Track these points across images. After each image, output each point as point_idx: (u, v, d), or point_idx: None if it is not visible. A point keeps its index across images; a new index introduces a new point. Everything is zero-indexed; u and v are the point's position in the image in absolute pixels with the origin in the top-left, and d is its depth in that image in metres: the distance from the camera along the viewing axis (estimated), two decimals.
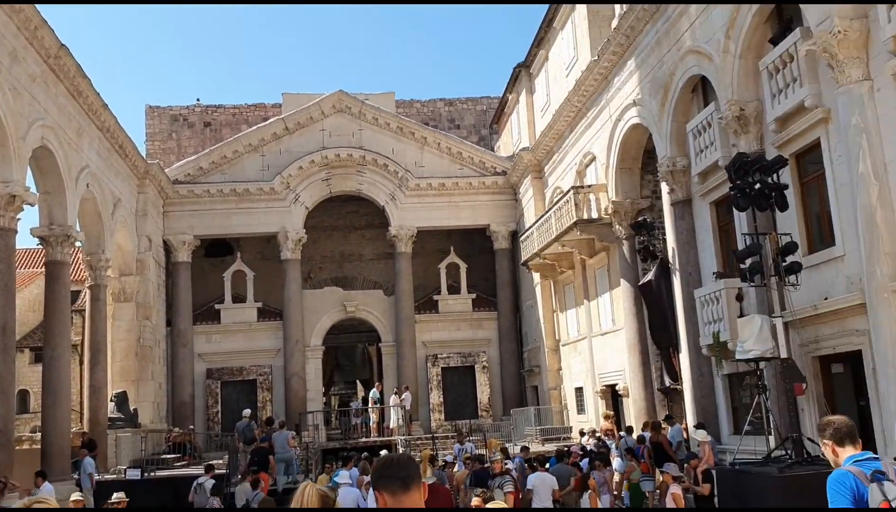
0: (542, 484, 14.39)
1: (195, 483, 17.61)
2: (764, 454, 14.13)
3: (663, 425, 17.82)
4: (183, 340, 31.38)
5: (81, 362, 30.55)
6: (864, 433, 14.32)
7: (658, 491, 12.28)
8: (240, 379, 32.21)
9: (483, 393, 33.15)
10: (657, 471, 14.88)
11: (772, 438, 14.55)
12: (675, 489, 11.52)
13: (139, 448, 24.83)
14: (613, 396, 25.54)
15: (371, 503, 12.91)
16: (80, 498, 10.45)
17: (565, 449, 18.85)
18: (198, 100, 40.92)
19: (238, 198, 32.09)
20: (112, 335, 27.85)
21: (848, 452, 4.55)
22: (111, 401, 25.78)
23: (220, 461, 23.08)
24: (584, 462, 17.12)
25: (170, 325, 31.48)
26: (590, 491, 12.70)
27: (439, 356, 33.29)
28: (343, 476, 14.41)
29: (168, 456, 25.82)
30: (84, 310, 28.33)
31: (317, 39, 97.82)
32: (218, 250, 34.70)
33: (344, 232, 35.87)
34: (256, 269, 33.08)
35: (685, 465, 13.99)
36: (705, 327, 17.57)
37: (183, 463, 25.70)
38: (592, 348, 26.71)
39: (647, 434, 17.70)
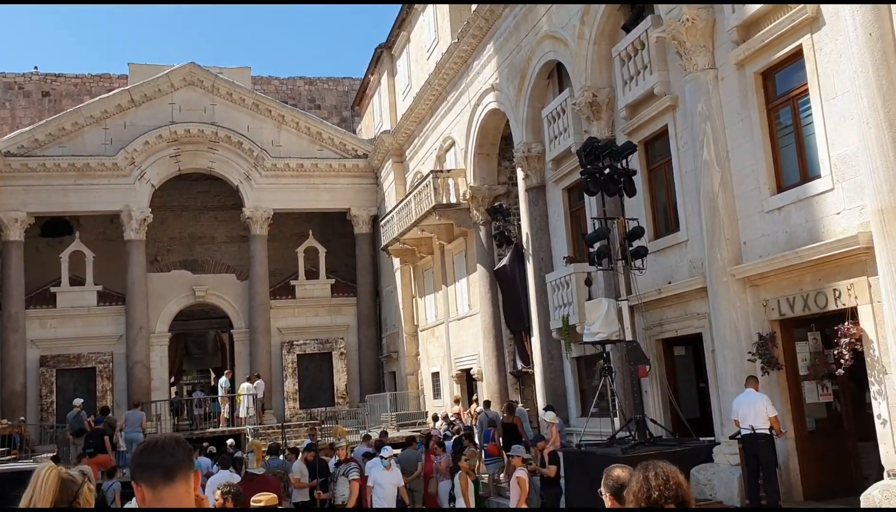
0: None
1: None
2: (609, 436, 14.36)
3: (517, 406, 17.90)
4: (14, 325, 28.95)
5: None
6: (703, 414, 14.77)
7: (504, 475, 12.15)
8: (77, 367, 30.05)
9: (340, 380, 32.49)
10: (504, 454, 14.83)
11: (617, 420, 14.78)
12: (521, 473, 11.39)
13: None
14: (468, 380, 25.58)
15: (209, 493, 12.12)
16: None
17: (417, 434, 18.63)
18: (35, 68, 37.84)
19: (78, 173, 29.84)
20: None
21: None
22: None
23: (54, 454, 21.41)
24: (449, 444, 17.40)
25: (0, 309, 29.00)
26: (460, 473, 12.33)
27: (295, 343, 32.33)
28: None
29: None
30: None
31: (169, 10, 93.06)
32: (55, 229, 32.24)
33: (195, 213, 34.15)
34: (97, 250, 30.93)
35: (532, 447, 13.99)
36: (555, 311, 17.71)
37: (10, 457, 23.68)
38: (449, 333, 26.65)
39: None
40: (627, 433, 14.13)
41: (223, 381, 28.47)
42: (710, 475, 12.30)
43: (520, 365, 21.34)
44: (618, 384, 15.23)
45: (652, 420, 14.18)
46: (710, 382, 13.77)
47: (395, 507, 11.45)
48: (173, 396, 35.00)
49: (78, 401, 23.96)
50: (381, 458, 11.75)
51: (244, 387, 26.92)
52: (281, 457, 14.23)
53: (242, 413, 26.18)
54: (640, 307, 14.64)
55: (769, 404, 10.91)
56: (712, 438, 13.32)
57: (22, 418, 26.91)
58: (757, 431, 10.69)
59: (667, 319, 14.72)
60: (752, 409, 10.77)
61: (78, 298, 30.48)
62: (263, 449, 16.81)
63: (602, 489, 4.07)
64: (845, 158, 10.54)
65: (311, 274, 33.21)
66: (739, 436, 10.89)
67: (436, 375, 28.21)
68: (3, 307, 29.01)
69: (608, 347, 14.91)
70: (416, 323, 30.02)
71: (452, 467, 14.01)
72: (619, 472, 3.99)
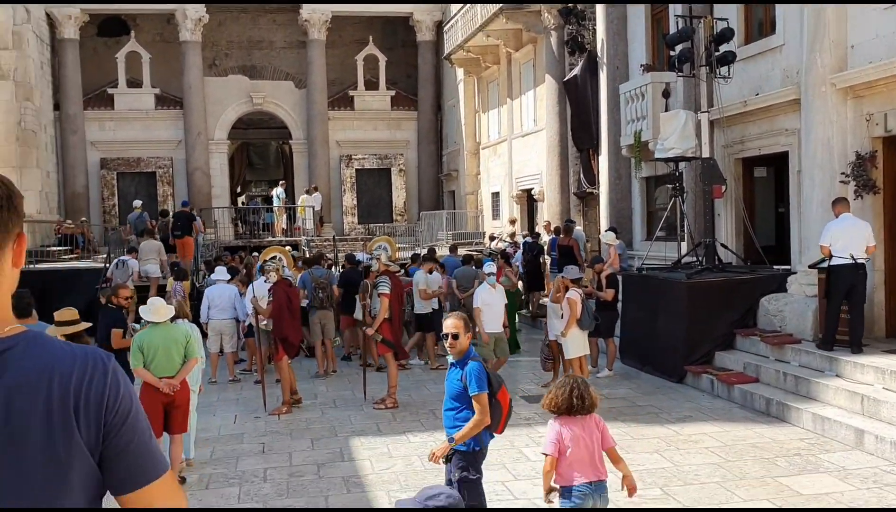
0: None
1: (117, 260, 17.59)
2: (674, 260, 13.31)
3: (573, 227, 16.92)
4: (73, 126, 28.72)
5: None
6: (779, 241, 13.49)
7: (550, 299, 11.30)
8: (137, 171, 29.96)
9: (399, 197, 31.81)
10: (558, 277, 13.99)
11: (684, 245, 13.67)
12: (573, 294, 10.50)
13: None
14: (529, 201, 24.57)
15: (248, 304, 11.67)
16: None
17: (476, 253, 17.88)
18: None
19: None
20: None
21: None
22: None
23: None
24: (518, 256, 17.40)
25: (58, 109, 28.67)
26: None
27: (354, 157, 31.50)
28: (219, 272, 13.07)
29: (56, 248, 24.11)
30: None
31: None
32: (111, 29, 31.19)
33: (253, 15, 32.47)
34: (154, 51, 29.94)
35: (589, 269, 13.05)
36: (627, 126, 16.23)
37: (73, 256, 24.07)
38: (512, 151, 25.39)
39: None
40: (694, 258, 13.05)
41: (278, 191, 28.04)
42: (782, 306, 11.25)
43: (584, 185, 20.10)
44: (688, 206, 14.00)
45: (723, 245, 13.03)
46: (791, 206, 12.41)
47: (501, 325, 10.83)
48: (240, 205, 34.96)
49: (137, 202, 23.86)
50: (487, 277, 11.04)
51: (304, 198, 26.43)
52: (325, 266, 13.67)
53: (300, 224, 25.85)
54: (721, 122, 13.11)
55: (871, 232, 9.61)
56: (787, 267, 12.15)
57: (84, 219, 27.17)
58: (857, 261, 9.45)
59: (750, 135, 13.17)
60: (853, 235, 9.46)
61: (135, 101, 29.92)
62: (292, 254, 16.44)
63: None
64: None
65: (371, 85, 31.80)
66: (827, 265, 9.66)
67: (496, 195, 27.26)
68: (61, 108, 28.67)
69: (682, 165, 13.57)
70: (477, 140, 28.76)
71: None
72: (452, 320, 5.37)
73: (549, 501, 5.00)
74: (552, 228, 18.52)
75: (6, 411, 1.62)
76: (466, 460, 5.38)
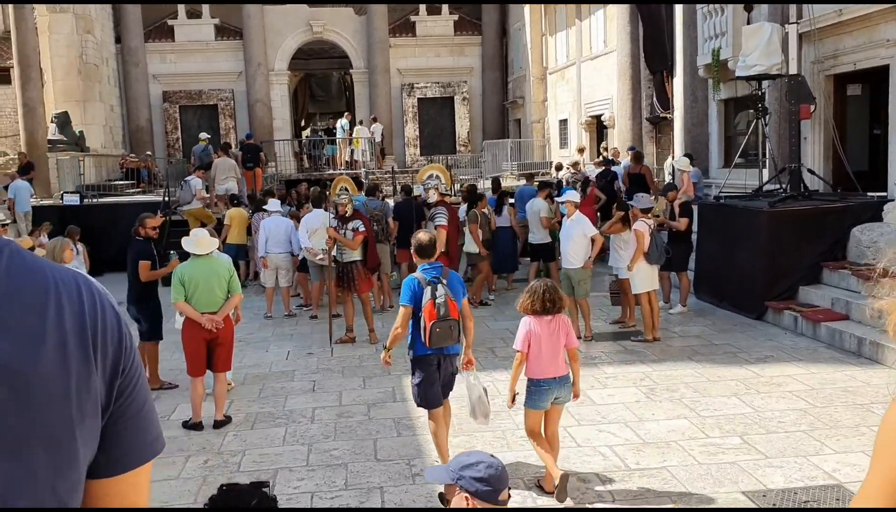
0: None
1: (182, 181, 17.52)
2: (755, 188, 12.32)
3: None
4: (134, 59, 28.55)
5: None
6: (874, 166, 12.36)
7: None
8: (199, 103, 29.76)
9: (462, 127, 30.92)
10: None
11: (766, 171, 12.63)
12: (640, 225, 9.69)
13: (88, 173, 23.10)
14: (599, 128, 23.47)
15: (303, 237, 11.21)
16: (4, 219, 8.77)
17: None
18: None
19: None
20: (50, 51, 25.08)
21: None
22: (52, 122, 23.62)
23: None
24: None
25: (119, 42, 28.51)
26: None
27: (416, 86, 30.64)
28: (273, 204, 12.63)
29: (120, 182, 24.19)
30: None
31: None
32: None
33: None
34: None
35: (661, 198, 12.15)
36: (705, 44, 15.06)
37: (137, 190, 24.13)
38: (581, 75, 24.21)
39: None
40: (777, 185, 12.04)
41: (341, 123, 27.48)
42: (876, 236, 10.23)
43: (657, 110, 18.96)
44: (772, 129, 12.89)
45: (809, 171, 11.96)
46: (889, 127, 11.24)
47: (581, 260, 9.76)
48: (304, 138, 34.56)
49: (204, 135, 23.63)
50: (561, 205, 10.02)
51: (359, 130, 25.84)
52: (380, 198, 13.11)
53: (358, 156, 25.31)
54: (811, 35, 11.92)
55: None
56: (883, 194, 11.08)
57: (148, 153, 27.20)
58: None
59: (844, 48, 11.93)
60: None
61: (195, 32, 29.55)
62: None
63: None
64: None
65: (433, 10, 30.67)
66: None
67: (563, 123, 26.17)
68: (123, 40, 28.47)
69: (765, 84, 12.42)
70: (544, 64, 27.55)
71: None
72: (421, 235, 5.84)
73: (512, 405, 5.63)
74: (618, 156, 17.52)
75: None
76: (411, 366, 5.96)
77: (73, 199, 19.62)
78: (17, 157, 22.06)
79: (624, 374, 8.42)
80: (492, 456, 2.84)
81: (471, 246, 12.11)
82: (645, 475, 5.82)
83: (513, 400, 5.60)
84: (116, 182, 24.00)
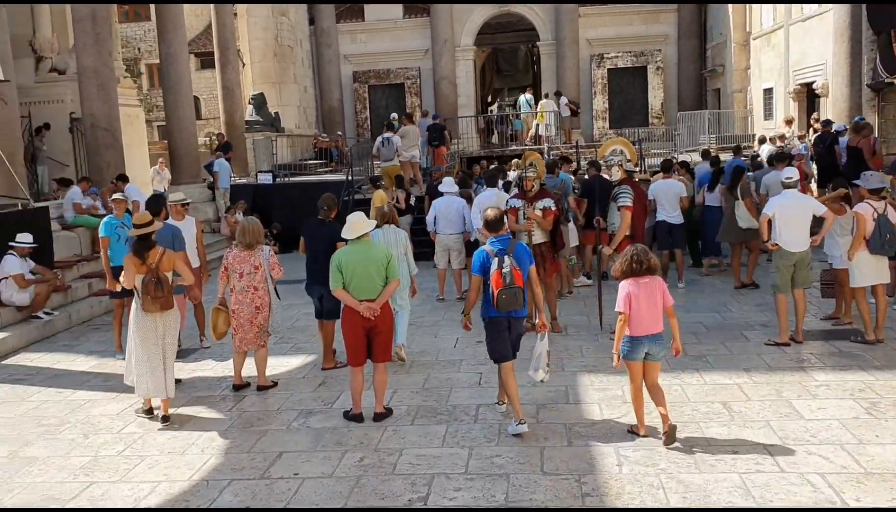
0: (664, 193, 11.58)
1: (382, 138, 17.70)
2: None
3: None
4: (327, 40, 29.28)
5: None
6: None
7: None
8: (387, 83, 30.17)
9: (655, 98, 29.22)
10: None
11: None
12: (862, 208, 8.23)
13: (281, 152, 23.92)
14: (809, 97, 21.19)
15: (476, 217, 10.62)
16: (180, 199, 9.14)
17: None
18: None
19: None
20: (248, 34, 26.20)
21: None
22: (249, 103, 24.67)
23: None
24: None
25: (312, 24, 29.34)
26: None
27: (606, 56, 29.27)
28: (447, 184, 12.15)
29: (312, 162, 24.89)
30: None
31: None
32: None
33: None
34: None
35: (889, 176, 10.44)
36: None
37: (327, 169, 24.72)
38: (789, 39, 21.99)
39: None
40: None
41: (524, 97, 26.74)
42: None
43: (882, 74, 16.67)
44: None
45: None
46: None
47: (806, 243, 8.53)
48: (491, 113, 34.18)
49: (394, 115, 23.79)
50: (783, 181, 8.65)
51: (543, 104, 24.98)
52: (560, 174, 12.28)
53: (542, 131, 24.48)
54: None
55: None
56: None
57: (339, 133, 27.85)
58: None
59: None
60: None
61: (384, 11, 29.86)
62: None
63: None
64: None
65: None
66: None
67: (768, 92, 23.97)
68: (316, 22, 29.27)
69: None
70: (748, 29, 25.36)
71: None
72: (490, 212, 6.44)
73: (618, 364, 6.08)
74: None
75: None
76: (485, 327, 6.49)
77: (266, 178, 20.34)
78: (216, 137, 23.20)
79: (839, 382, 7.16)
80: None
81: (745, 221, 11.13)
82: None
83: (618, 359, 6.06)
84: (308, 161, 24.71)
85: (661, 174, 12.57)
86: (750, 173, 12.38)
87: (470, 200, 11.56)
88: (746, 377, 7.43)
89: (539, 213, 9.08)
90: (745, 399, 6.85)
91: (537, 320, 6.55)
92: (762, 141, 18.38)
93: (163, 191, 17.78)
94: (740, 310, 10.20)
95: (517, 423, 6.23)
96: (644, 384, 6.06)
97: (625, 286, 5.96)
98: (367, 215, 7.35)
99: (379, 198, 13.70)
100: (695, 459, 5.64)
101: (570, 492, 5.28)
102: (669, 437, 5.83)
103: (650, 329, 5.92)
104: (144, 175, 19.50)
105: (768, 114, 23.91)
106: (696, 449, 5.81)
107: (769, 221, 8.47)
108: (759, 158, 15.49)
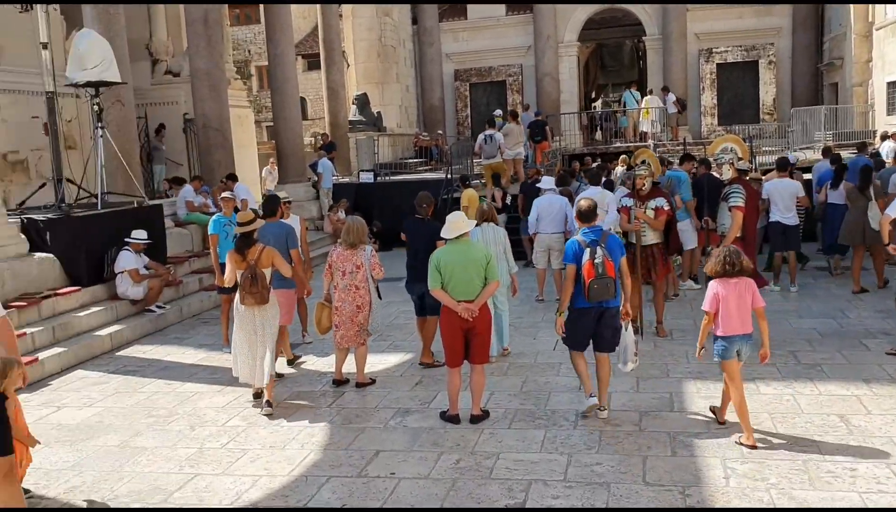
0: (780, 192, 11.00)
1: (484, 135, 17.65)
2: None
3: None
4: (430, 39, 29.48)
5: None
6: None
7: None
8: (488, 81, 30.11)
9: (767, 93, 28.07)
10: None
11: None
12: None
13: (382, 152, 24.21)
14: None
15: (570, 212, 10.41)
16: (283, 198, 9.39)
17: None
18: None
19: None
20: (353, 34, 26.62)
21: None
22: (352, 103, 25.06)
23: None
24: None
25: (415, 23, 29.57)
26: None
27: (714, 51, 28.33)
28: (546, 181, 11.97)
29: (412, 160, 25.07)
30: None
31: None
32: None
33: None
34: None
35: None
36: None
37: (427, 168, 24.86)
38: None
39: None
40: None
41: (629, 93, 26.17)
42: None
43: None
44: None
45: None
46: None
47: None
48: (594, 109, 33.62)
49: (498, 112, 23.72)
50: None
51: (648, 100, 24.36)
52: (667, 172, 11.89)
53: (647, 128, 23.87)
54: None
55: None
56: None
57: (439, 132, 27.97)
58: None
59: None
60: None
61: (487, 9, 29.80)
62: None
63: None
64: None
65: None
66: None
67: (892, 85, 22.63)
68: (419, 21, 29.49)
69: None
70: (870, 19, 24.00)
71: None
72: (583, 202, 6.57)
73: (700, 358, 6.33)
74: None
75: None
76: (569, 315, 6.55)
77: (367, 177, 20.60)
78: (320, 137, 23.66)
79: None
80: None
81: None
82: None
83: (700, 352, 6.24)
84: (409, 160, 24.90)
85: (775, 173, 12.01)
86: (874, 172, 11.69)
87: (571, 199, 11.34)
88: (866, 389, 6.98)
89: (651, 213, 8.79)
90: (864, 412, 6.43)
91: (622, 309, 6.58)
92: (884, 137, 17.35)
93: (271, 189, 18.27)
94: (859, 316, 9.62)
95: (588, 397, 6.59)
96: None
97: (713, 286, 6.00)
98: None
99: (467, 197, 13.64)
100: (808, 475, 5.31)
101: (674, 504, 5.06)
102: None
103: (740, 329, 5.92)
104: (253, 174, 20.09)
105: (892, 109, 22.58)
106: (810, 464, 5.48)
107: (893, 222, 7.95)
108: (882, 156, 14.61)
